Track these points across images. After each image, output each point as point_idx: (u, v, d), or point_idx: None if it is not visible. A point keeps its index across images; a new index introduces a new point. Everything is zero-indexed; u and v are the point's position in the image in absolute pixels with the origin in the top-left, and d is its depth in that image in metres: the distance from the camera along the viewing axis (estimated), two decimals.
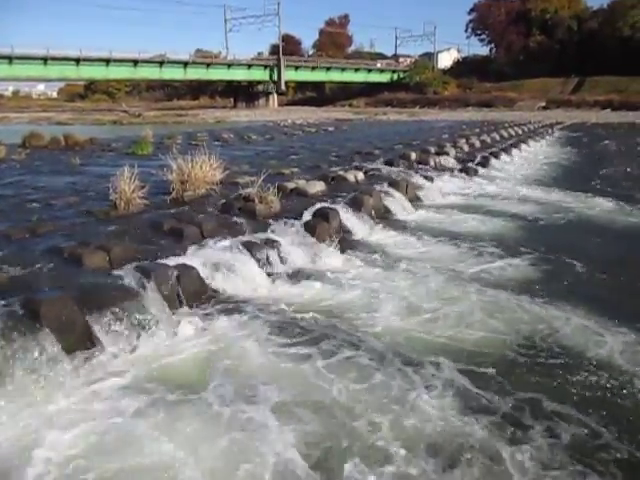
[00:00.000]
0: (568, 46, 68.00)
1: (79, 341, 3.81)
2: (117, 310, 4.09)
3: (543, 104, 60.30)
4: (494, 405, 3.37)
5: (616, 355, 3.95)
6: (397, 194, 8.97)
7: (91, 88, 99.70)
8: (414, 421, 3.22)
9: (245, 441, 3.04)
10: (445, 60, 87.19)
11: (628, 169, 14.33)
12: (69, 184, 9.01)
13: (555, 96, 62.09)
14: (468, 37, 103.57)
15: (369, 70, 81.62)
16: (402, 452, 2.95)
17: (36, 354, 3.47)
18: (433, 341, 4.24)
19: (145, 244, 5.52)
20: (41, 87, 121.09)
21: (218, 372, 3.76)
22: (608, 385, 3.57)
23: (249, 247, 5.64)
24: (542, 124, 33.06)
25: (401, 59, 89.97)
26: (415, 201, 9.33)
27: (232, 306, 4.83)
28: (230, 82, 75.94)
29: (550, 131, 29.30)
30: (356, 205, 7.75)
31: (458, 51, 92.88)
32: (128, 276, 4.49)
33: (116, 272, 4.64)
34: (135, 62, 60.63)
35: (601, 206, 9.32)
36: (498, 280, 5.55)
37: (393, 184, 9.34)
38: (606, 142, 22.97)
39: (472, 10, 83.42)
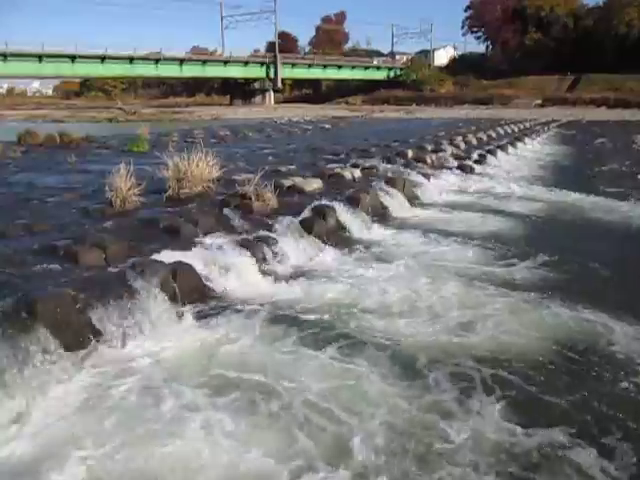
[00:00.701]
0: (564, 44, 68.04)
1: (76, 338, 3.79)
2: (113, 307, 4.08)
3: (539, 102, 60.35)
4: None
5: None
6: (394, 192, 8.95)
7: (87, 85, 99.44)
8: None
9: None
10: (441, 58, 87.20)
11: (623, 167, 14.36)
12: (65, 182, 8.99)
13: (551, 94, 62.14)
14: (464, 34, 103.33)
15: (366, 67, 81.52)
16: None
17: (34, 352, 3.46)
18: (439, 340, 4.24)
19: (141, 242, 5.50)
20: (36, 84, 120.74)
21: (216, 370, 3.75)
22: None
23: (246, 245, 5.63)
24: (538, 122, 33.11)
25: (397, 56, 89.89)
26: (412, 199, 9.32)
27: (229, 304, 4.82)
28: (226, 79, 75.75)
29: (546, 129, 29.35)
30: (353, 203, 7.73)
31: (454, 48, 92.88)
32: (124, 273, 4.47)
33: (112, 269, 4.63)
34: (131, 59, 60.40)
35: (598, 204, 9.32)
36: (497, 277, 5.55)
37: (390, 182, 9.33)
38: (602, 140, 23.02)
39: (468, 7, 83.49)
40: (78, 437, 3.03)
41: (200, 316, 4.54)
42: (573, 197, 9.87)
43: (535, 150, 19.39)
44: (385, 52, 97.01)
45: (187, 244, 5.54)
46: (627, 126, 32.50)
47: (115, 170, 6.82)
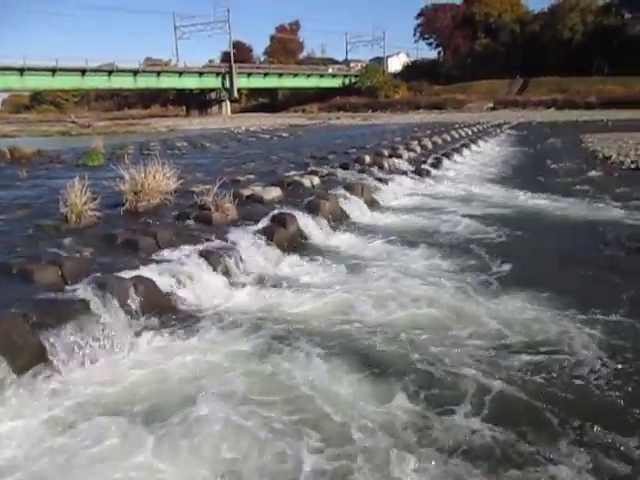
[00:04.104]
0: (512, 49, 70.27)
1: (30, 360, 3.67)
2: (72, 326, 3.97)
3: (491, 105, 62.01)
4: None
5: None
6: (353, 197, 9.04)
7: (37, 99, 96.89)
8: None
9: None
10: (395, 64, 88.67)
11: (573, 165, 14.86)
12: (17, 198, 8.71)
13: (502, 97, 63.96)
14: (416, 41, 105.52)
15: (321, 75, 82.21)
16: None
17: None
18: (399, 342, 4.30)
19: (99, 257, 5.38)
20: None
21: (176, 386, 3.69)
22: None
23: (207, 256, 5.58)
24: (491, 124, 33.96)
25: (352, 64, 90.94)
26: (371, 204, 9.42)
27: (191, 316, 4.76)
28: (182, 90, 75.07)
29: (498, 131, 30.13)
30: (313, 210, 7.77)
31: (407, 55, 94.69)
32: (82, 291, 4.37)
33: (70, 287, 4.51)
34: (83, 71, 59.20)
35: (547, 201, 9.64)
36: (450, 275, 5.66)
37: (349, 188, 9.40)
38: (551, 140, 23.76)
39: (420, 15, 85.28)
40: None
41: (161, 331, 4.46)
42: (527, 196, 10.16)
43: (489, 152, 19.88)
44: (340, 60, 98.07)
45: (146, 258, 5.45)
46: (575, 126, 33.65)
47: (69, 185, 6.65)
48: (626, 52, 58.99)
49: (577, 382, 3.61)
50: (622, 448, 2.96)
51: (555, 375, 3.70)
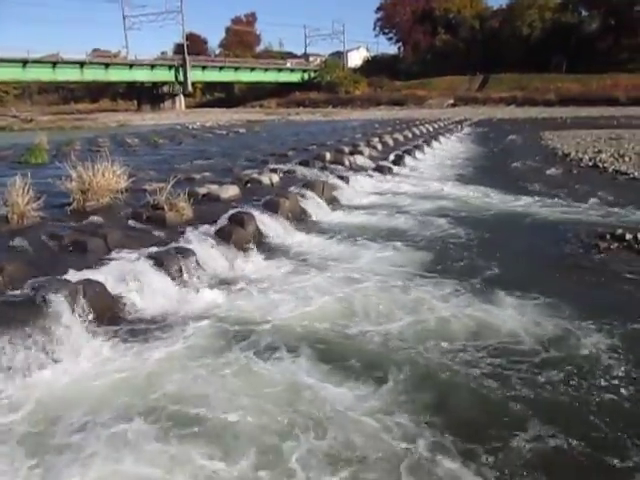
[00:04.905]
0: (472, 45, 71.70)
1: None
2: (11, 335, 3.82)
3: (451, 101, 63.13)
4: None
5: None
6: (313, 196, 9.05)
7: None
8: None
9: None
10: (355, 59, 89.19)
11: (533, 163, 15.27)
12: None
13: (462, 93, 65.19)
14: (376, 36, 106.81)
15: (279, 70, 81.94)
16: None
17: None
18: (355, 337, 4.32)
19: (43, 260, 5.21)
20: None
21: (127, 397, 3.61)
22: None
23: (160, 258, 5.47)
24: (451, 121, 34.57)
25: (311, 58, 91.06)
26: (332, 202, 9.46)
27: (144, 323, 4.66)
28: (132, 83, 73.53)
29: (459, 127, 30.71)
30: (272, 208, 7.74)
31: (367, 50, 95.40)
32: (24, 296, 4.21)
33: (10, 292, 4.35)
34: (24, 62, 57.11)
35: (508, 199, 9.88)
36: (414, 276, 5.74)
37: (309, 186, 9.41)
38: (512, 137, 24.35)
39: (379, 9, 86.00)
40: None
41: (111, 340, 4.34)
42: (488, 194, 10.38)
43: (450, 149, 20.24)
44: (299, 54, 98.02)
45: (96, 261, 5.31)
46: (535, 123, 34.60)
47: (10, 183, 6.42)
48: (583, 50, 61.19)
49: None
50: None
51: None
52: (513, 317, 4.65)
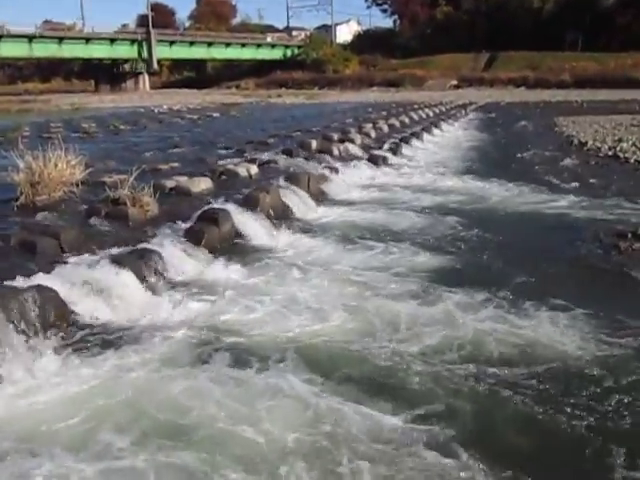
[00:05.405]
0: (477, 18, 72.05)
1: None
2: None
3: (454, 82, 63.55)
4: None
5: None
6: (298, 190, 9.04)
7: None
8: None
9: None
10: (344, 34, 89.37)
11: (546, 152, 15.40)
12: None
13: (467, 73, 65.64)
14: (369, 7, 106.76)
15: (258, 45, 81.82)
16: None
17: None
18: (343, 354, 4.34)
19: None
20: None
21: (80, 420, 3.57)
22: None
23: (121, 261, 5.43)
24: (454, 104, 34.79)
25: (295, 33, 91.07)
26: (319, 197, 9.46)
27: (103, 334, 4.63)
28: (89, 60, 73.10)
29: (463, 112, 30.92)
30: (250, 204, 7.71)
31: (358, 23, 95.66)
32: None
33: None
34: None
35: (519, 195, 9.95)
36: (410, 287, 5.74)
37: (292, 178, 9.41)
38: (523, 123, 24.55)
39: None
40: None
41: (65, 354, 4.30)
42: (496, 189, 10.44)
43: (453, 136, 20.36)
44: (280, 27, 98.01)
45: (47, 263, 5.26)
46: (547, 107, 34.91)
47: None
48: (601, 25, 61.74)
49: None
50: None
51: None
52: (551, 332, 4.62)
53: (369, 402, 3.72)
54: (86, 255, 5.54)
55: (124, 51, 71.12)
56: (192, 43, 76.35)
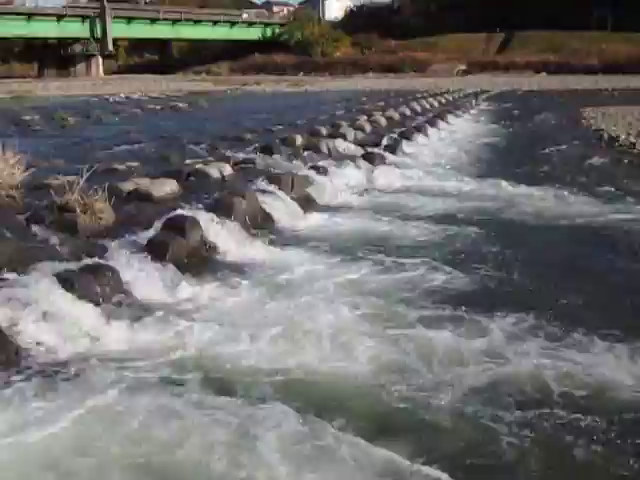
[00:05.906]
0: None
1: None
2: None
3: (463, 67, 64.19)
4: None
5: None
6: (280, 193, 9.04)
7: None
8: None
9: None
10: (334, 10, 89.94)
11: (571, 149, 15.52)
12: None
13: (478, 57, 66.35)
14: None
15: (233, 23, 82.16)
16: None
17: None
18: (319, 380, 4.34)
19: None
20: None
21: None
22: None
23: (69, 279, 5.39)
24: (463, 93, 35.16)
25: (276, 8, 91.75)
26: (304, 201, 9.45)
27: (46, 367, 4.57)
28: (32, 40, 73.06)
29: (474, 102, 31.16)
30: (223, 211, 7.69)
31: None
32: None
33: None
34: None
35: (539, 199, 9.98)
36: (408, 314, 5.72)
37: (273, 180, 9.40)
38: (543, 115, 24.77)
39: None
40: None
41: (6, 390, 4.25)
42: (513, 193, 10.45)
43: (463, 130, 20.47)
44: (259, 2, 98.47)
45: None
46: (572, 96, 35.26)
47: None
48: (633, 1, 62.38)
49: None
50: None
51: None
52: (614, 367, 4.56)
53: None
54: (27, 273, 5.48)
55: (74, 29, 71.16)
56: (154, 20, 76.50)
